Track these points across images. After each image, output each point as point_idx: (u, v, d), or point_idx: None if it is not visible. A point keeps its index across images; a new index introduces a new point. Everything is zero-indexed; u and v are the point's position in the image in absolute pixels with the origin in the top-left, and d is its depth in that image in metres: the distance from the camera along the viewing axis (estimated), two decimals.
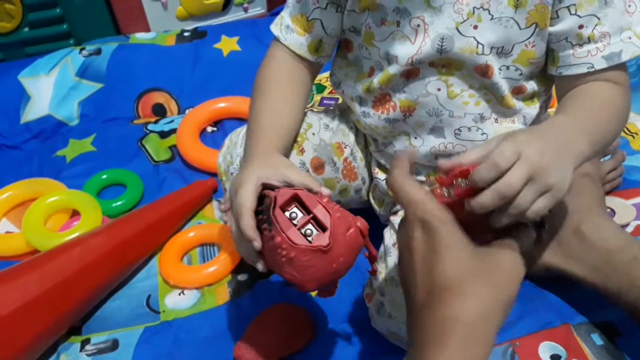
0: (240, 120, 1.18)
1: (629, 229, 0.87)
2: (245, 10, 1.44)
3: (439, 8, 0.60)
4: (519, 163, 0.47)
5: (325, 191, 0.57)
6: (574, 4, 0.58)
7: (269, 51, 0.73)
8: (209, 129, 1.18)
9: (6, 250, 0.93)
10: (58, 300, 0.78)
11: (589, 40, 0.59)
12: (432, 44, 0.62)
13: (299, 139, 0.74)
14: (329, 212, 0.54)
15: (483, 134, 0.68)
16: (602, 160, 0.90)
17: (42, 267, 0.79)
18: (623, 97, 0.61)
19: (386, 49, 0.65)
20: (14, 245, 0.92)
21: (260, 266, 0.58)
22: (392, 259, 0.69)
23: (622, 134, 1.03)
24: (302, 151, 0.75)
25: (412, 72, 0.65)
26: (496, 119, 0.67)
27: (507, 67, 0.63)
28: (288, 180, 0.58)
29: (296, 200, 0.56)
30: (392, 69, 0.65)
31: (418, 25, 0.62)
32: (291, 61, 0.71)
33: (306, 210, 0.55)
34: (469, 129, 0.68)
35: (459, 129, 0.68)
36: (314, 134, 0.76)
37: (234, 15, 1.44)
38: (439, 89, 0.65)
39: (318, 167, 0.76)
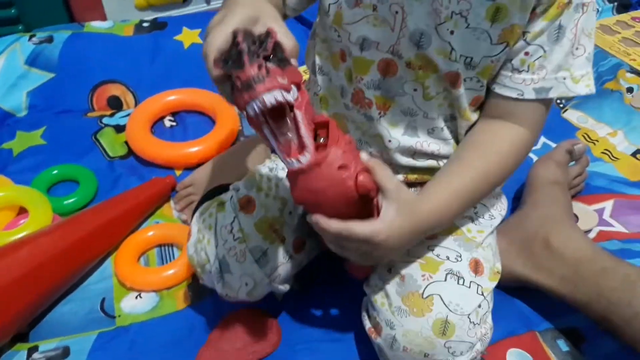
0: (200, 113, 1.14)
1: (591, 235, 0.88)
2: (208, 2, 1.40)
3: (420, 0, 0.58)
4: (364, 245, 0.58)
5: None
6: (529, 32, 0.59)
7: None
8: (168, 123, 1.13)
9: None
10: (2, 305, 0.72)
11: (528, 68, 0.61)
12: (410, 36, 0.60)
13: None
14: (327, 136, 0.53)
15: (452, 131, 0.68)
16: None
17: None
18: (521, 148, 0.65)
19: (363, 34, 0.62)
20: None
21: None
22: (392, 287, 0.66)
23: (584, 141, 1.05)
24: None
25: (389, 67, 0.63)
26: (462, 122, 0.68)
27: (471, 79, 0.63)
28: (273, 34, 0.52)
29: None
30: (370, 55, 0.63)
31: (396, 12, 0.60)
32: None
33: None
34: (442, 128, 0.67)
35: (432, 129, 0.67)
36: None
37: (196, 7, 1.40)
38: (415, 90, 0.64)
39: None
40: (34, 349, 0.75)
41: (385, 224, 0.57)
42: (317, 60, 0.71)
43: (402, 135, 0.68)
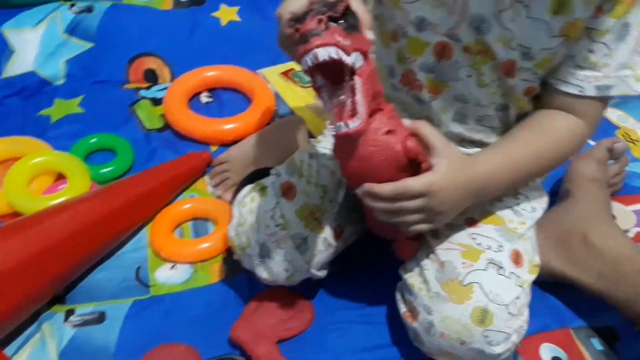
0: (236, 91, 1.14)
1: (629, 235, 0.87)
2: None
3: None
4: (420, 201, 0.58)
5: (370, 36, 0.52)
6: (595, 29, 0.58)
7: None
8: (204, 99, 1.13)
9: None
10: (41, 267, 0.73)
11: (592, 66, 0.60)
12: (471, 21, 0.59)
13: None
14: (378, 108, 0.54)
15: (501, 121, 0.67)
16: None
17: (25, 231, 0.75)
18: (577, 137, 0.65)
19: (421, 14, 0.61)
20: None
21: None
22: (431, 272, 0.66)
23: (624, 140, 1.04)
24: None
25: (444, 51, 0.63)
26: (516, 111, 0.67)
27: (527, 69, 0.62)
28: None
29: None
30: (426, 37, 0.62)
31: None
32: None
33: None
34: (492, 117, 0.67)
35: (481, 117, 0.67)
36: None
37: None
38: (469, 76, 0.64)
39: None
40: (71, 311, 0.76)
41: (439, 175, 0.58)
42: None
43: (451, 120, 0.67)
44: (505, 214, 0.71)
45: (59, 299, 0.78)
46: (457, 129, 0.68)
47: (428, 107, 0.67)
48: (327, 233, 0.70)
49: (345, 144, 0.55)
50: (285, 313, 0.74)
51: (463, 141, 0.69)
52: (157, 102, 1.11)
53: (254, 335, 0.70)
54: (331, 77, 0.51)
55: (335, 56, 0.47)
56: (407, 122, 0.59)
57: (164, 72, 1.20)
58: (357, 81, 0.49)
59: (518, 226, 0.70)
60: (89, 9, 1.21)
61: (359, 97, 0.49)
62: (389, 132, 0.55)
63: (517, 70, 0.62)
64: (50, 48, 1.17)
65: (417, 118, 0.68)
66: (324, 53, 0.46)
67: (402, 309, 0.69)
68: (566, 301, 0.78)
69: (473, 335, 0.62)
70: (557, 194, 0.88)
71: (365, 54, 0.50)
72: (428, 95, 0.66)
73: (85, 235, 0.79)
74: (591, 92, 0.61)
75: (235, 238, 0.72)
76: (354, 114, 0.50)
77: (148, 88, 1.15)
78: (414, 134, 0.58)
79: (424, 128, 0.59)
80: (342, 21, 0.49)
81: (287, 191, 0.70)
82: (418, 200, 0.58)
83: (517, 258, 0.67)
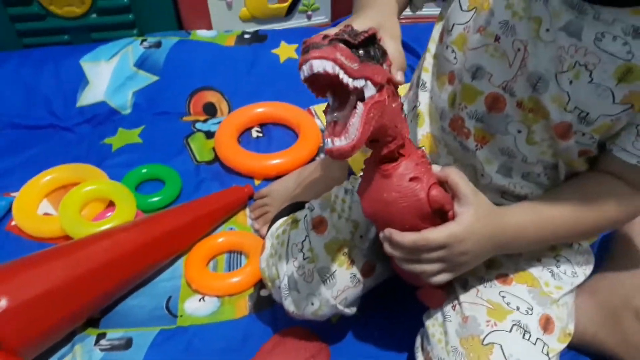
0: (285, 126, 1.17)
1: None
2: (309, 17, 1.43)
3: (545, 43, 0.55)
4: (441, 252, 0.57)
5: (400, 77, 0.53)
6: None
7: None
8: (254, 133, 1.17)
9: (42, 231, 0.94)
10: (80, 290, 0.78)
11: None
12: (528, 77, 0.57)
13: None
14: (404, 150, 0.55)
15: (549, 178, 0.64)
16: None
17: (68, 255, 0.80)
18: (628, 206, 0.61)
19: (478, 62, 0.60)
20: (50, 228, 0.94)
21: None
22: (453, 325, 0.64)
23: None
24: None
25: (496, 103, 0.60)
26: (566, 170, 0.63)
27: (583, 134, 0.58)
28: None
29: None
30: (480, 86, 0.60)
31: (519, 50, 0.57)
32: None
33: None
34: (538, 174, 0.64)
35: (527, 173, 0.64)
36: None
37: (297, 21, 1.43)
38: (519, 131, 0.61)
39: None
40: (102, 335, 0.80)
41: (462, 226, 0.56)
42: (423, 75, 0.70)
43: (495, 172, 0.65)
44: (542, 275, 0.67)
45: (94, 321, 0.82)
46: (501, 181, 0.65)
47: (473, 155, 0.65)
48: (355, 269, 0.70)
49: (371, 185, 0.55)
50: (300, 356, 0.74)
51: (506, 194, 0.66)
52: (210, 135, 1.16)
53: None
54: (334, 94, 0.50)
55: (330, 70, 0.46)
56: (436, 168, 0.58)
57: (222, 106, 1.25)
58: (359, 106, 0.48)
59: (553, 290, 0.66)
60: (157, 44, 1.29)
61: (356, 120, 0.48)
62: (413, 178, 0.55)
63: (573, 133, 0.58)
64: (121, 80, 1.26)
65: (462, 164, 0.67)
66: (319, 64, 0.45)
67: (419, 358, 0.67)
68: None
69: None
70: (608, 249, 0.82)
71: (378, 85, 0.49)
72: (474, 144, 0.64)
73: (123, 263, 0.83)
74: None
75: (266, 269, 0.73)
76: (343, 132, 0.48)
77: (205, 121, 1.21)
78: (442, 181, 0.57)
79: (453, 175, 0.58)
80: (361, 49, 0.48)
81: (318, 225, 0.71)
82: (439, 251, 0.57)
83: (547, 324, 0.63)
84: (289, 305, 0.71)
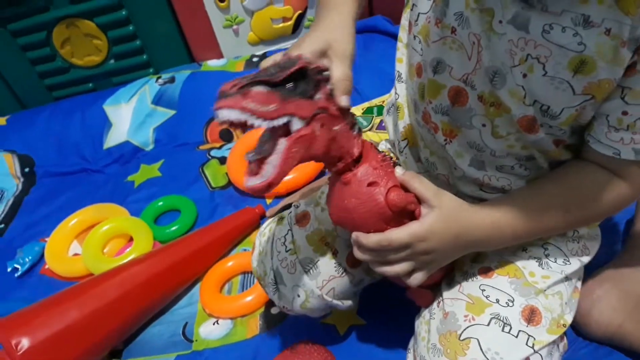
0: None
1: None
2: None
3: (499, 36, 0.53)
4: (406, 252, 0.57)
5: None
6: (629, 88, 0.51)
7: None
8: None
9: (72, 272, 1.00)
10: (97, 324, 0.82)
11: (627, 128, 0.52)
12: (485, 72, 0.55)
13: None
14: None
15: (527, 169, 0.62)
16: None
17: (84, 293, 0.85)
18: (615, 197, 0.57)
19: (439, 56, 0.58)
20: (77, 267, 1.00)
21: None
22: (435, 322, 0.63)
23: None
24: None
25: (459, 96, 0.59)
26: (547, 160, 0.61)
27: (550, 126, 0.56)
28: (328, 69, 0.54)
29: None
30: (441, 79, 0.59)
31: (474, 43, 0.55)
32: None
33: None
34: (512, 167, 0.62)
35: (500, 166, 0.62)
36: None
37: None
38: (483, 125, 0.59)
39: None
40: None
41: (424, 226, 0.56)
42: (397, 66, 0.70)
43: (467, 166, 0.63)
44: (526, 264, 0.64)
45: (117, 353, 0.86)
46: (476, 174, 0.63)
47: (444, 149, 0.64)
48: (340, 258, 0.69)
49: (334, 193, 0.56)
50: None
51: (483, 186, 0.65)
52: (223, 160, 1.19)
53: None
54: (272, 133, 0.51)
55: (235, 119, 0.46)
56: (399, 172, 0.58)
57: (238, 131, 1.28)
58: (281, 142, 0.49)
59: (539, 280, 0.63)
60: (171, 80, 1.35)
61: (274, 157, 0.49)
62: (371, 183, 0.55)
63: (539, 126, 0.56)
64: (141, 118, 1.32)
65: (438, 156, 0.67)
66: (226, 114, 0.46)
67: (409, 358, 0.67)
68: None
69: None
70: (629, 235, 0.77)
71: (306, 119, 0.50)
72: (442, 137, 0.63)
73: (137, 294, 0.87)
74: (628, 155, 0.53)
75: (257, 268, 0.75)
76: (256, 172, 0.49)
77: (220, 147, 1.25)
78: (401, 185, 0.57)
79: (412, 180, 0.58)
80: (289, 84, 0.49)
81: (301, 219, 0.72)
82: (404, 251, 0.57)
83: (531, 315, 0.61)
84: (278, 300, 0.72)
